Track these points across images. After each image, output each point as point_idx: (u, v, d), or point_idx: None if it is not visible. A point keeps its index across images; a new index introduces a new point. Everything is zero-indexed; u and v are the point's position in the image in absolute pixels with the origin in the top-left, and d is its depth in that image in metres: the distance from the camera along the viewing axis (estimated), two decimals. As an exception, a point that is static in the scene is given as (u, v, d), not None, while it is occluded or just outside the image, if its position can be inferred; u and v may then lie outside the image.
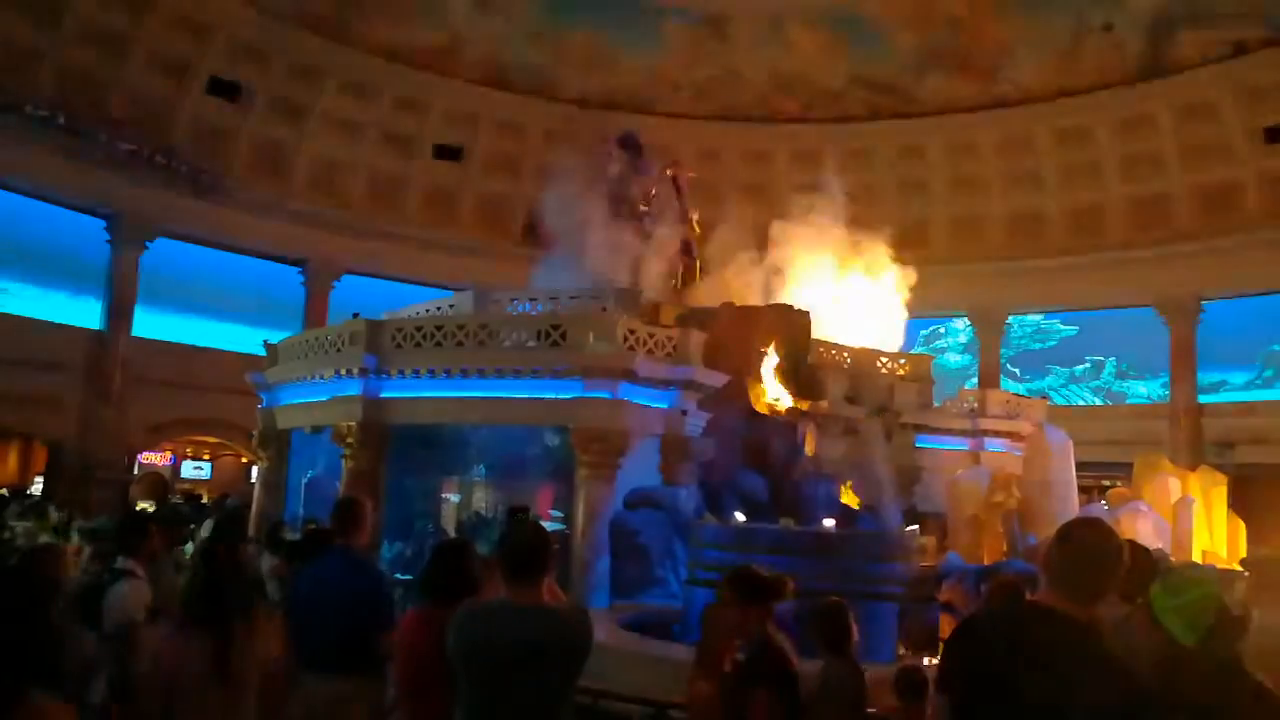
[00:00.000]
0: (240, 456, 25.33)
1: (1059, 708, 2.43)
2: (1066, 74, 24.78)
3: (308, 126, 25.18)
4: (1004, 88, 25.60)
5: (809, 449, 14.50)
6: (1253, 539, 16.21)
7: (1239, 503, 17.52)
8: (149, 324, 22.85)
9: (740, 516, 11.27)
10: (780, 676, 3.89)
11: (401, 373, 13.94)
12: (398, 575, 13.66)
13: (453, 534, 15.41)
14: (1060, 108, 25.06)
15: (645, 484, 13.25)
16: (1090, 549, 2.61)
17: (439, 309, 16.48)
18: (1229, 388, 24.28)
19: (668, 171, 19.73)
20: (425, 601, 4.36)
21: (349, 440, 14.06)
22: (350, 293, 24.75)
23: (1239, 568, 13.35)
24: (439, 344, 13.80)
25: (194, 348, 23.23)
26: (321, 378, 14.84)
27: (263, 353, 17.49)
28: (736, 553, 9.41)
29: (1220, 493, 16.57)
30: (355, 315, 15.10)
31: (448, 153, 27.01)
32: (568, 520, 14.01)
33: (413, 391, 13.98)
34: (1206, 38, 22.89)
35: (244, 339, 22.26)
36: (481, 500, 17.04)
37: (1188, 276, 23.88)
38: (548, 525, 15.22)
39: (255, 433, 17.36)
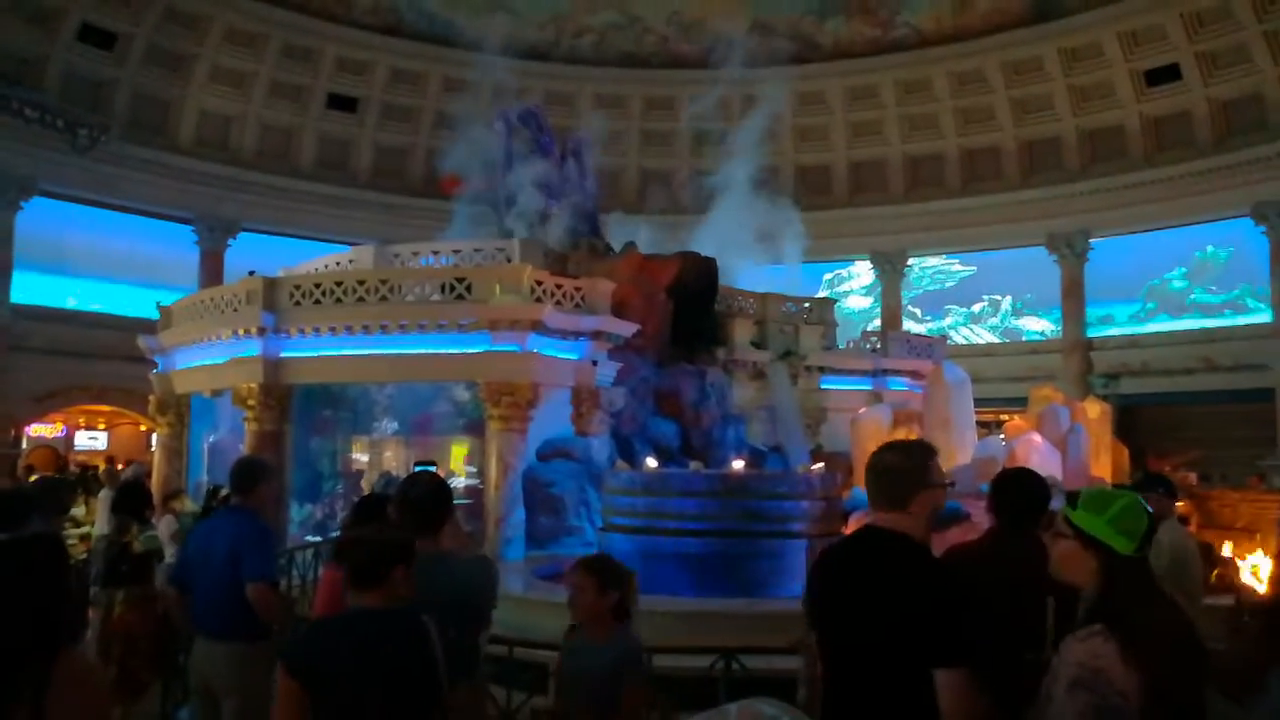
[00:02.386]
0: (138, 424, 24.45)
1: (883, 615, 2.56)
2: (961, 17, 25.24)
3: (192, 78, 24.06)
4: (901, 31, 25.93)
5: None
6: (1135, 464, 17.06)
7: (1123, 431, 18.44)
8: (29, 289, 21.69)
9: (651, 462, 11.40)
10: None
11: (302, 331, 13.57)
12: (307, 538, 13.48)
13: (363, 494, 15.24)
14: (954, 51, 25.53)
15: (557, 435, 13.28)
16: (889, 463, 2.77)
17: (338, 264, 16.07)
18: (1115, 322, 25.39)
19: (569, 149, 19.48)
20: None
21: (250, 402, 13.69)
22: (246, 251, 23.88)
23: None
24: (339, 300, 13.47)
25: (81, 313, 22.21)
26: (219, 339, 14.40)
27: (156, 316, 16.85)
28: (648, 498, 9.54)
29: (1105, 422, 17.35)
30: (251, 273, 14.62)
31: (342, 103, 26.16)
32: (481, 474, 13.96)
33: (314, 350, 13.65)
34: (1091, -19, 23.52)
35: (136, 302, 21.32)
36: (392, 459, 16.86)
37: (1076, 216, 24.81)
38: (462, 480, 15.24)
39: (152, 398, 16.77)
